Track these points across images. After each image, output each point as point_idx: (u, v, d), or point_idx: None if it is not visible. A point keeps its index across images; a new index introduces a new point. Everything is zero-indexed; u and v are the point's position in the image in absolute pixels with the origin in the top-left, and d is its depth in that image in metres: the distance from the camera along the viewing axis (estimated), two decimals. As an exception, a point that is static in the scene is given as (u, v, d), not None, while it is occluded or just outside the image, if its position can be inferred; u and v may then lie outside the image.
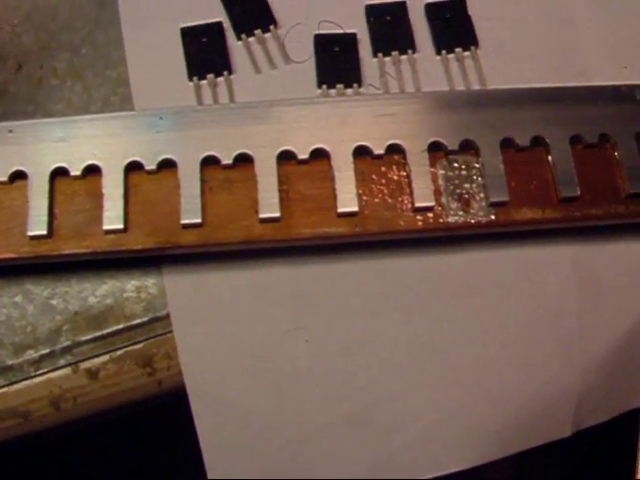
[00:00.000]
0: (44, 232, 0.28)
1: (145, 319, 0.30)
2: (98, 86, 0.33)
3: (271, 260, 0.30)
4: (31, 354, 0.30)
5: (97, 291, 0.30)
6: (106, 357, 0.30)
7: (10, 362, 0.30)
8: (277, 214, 0.28)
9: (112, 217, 0.28)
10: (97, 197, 0.28)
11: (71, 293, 0.30)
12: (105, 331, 0.30)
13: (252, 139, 0.29)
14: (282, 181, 0.28)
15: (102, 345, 0.30)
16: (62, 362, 0.30)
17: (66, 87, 0.33)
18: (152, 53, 0.33)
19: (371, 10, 0.33)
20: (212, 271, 0.30)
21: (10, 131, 0.29)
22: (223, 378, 0.29)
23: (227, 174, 0.29)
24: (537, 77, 0.32)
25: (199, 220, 0.28)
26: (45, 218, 0.28)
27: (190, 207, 0.28)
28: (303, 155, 0.28)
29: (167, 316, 0.30)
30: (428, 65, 0.33)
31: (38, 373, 0.29)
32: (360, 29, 0.33)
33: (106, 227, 0.28)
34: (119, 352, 0.30)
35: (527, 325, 0.30)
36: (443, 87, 0.32)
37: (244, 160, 0.29)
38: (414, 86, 0.32)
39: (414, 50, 0.33)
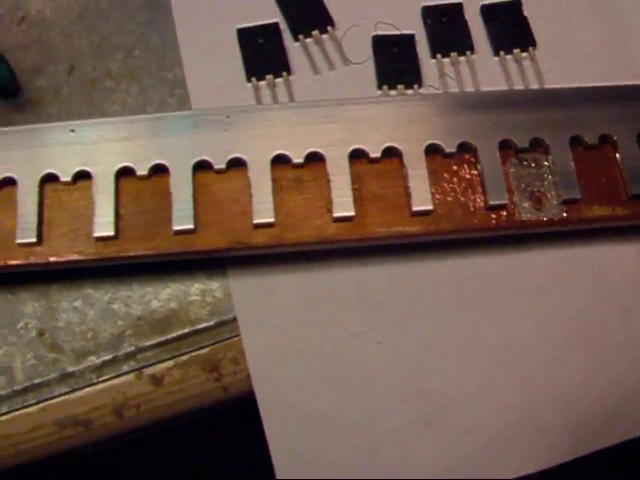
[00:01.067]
0: (111, 233, 0.28)
1: (211, 323, 0.30)
2: (154, 87, 0.33)
3: (338, 261, 0.30)
4: (93, 360, 0.30)
5: (160, 295, 0.30)
6: (171, 363, 0.30)
7: (71, 369, 0.30)
8: (352, 213, 0.28)
9: (181, 217, 0.28)
10: (164, 197, 0.29)
11: (133, 297, 0.30)
12: (169, 336, 0.30)
13: (323, 138, 0.29)
14: (354, 180, 0.29)
15: (166, 350, 0.30)
16: (125, 368, 0.30)
17: (121, 89, 0.33)
18: (208, 54, 0.34)
19: (428, 11, 0.35)
20: (279, 273, 0.30)
21: (72, 130, 0.30)
22: (292, 382, 0.29)
23: (298, 173, 0.29)
24: (593, 77, 0.34)
25: (272, 220, 0.28)
26: (112, 219, 0.28)
27: (262, 207, 0.28)
28: (375, 154, 0.29)
29: (234, 320, 0.30)
30: (486, 66, 0.34)
31: (100, 380, 0.30)
32: (417, 30, 0.35)
33: (175, 228, 0.28)
34: (184, 357, 0.30)
35: (596, 323, 0.31)
36: (502, 87, 0.34)
37: (315, 159, 0.29)
38: (473, 86, 0.33)
39: (472, 51, 0.34)
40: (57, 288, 0.31)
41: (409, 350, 0.29)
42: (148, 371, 0.30)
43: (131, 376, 0.30)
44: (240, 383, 0.30)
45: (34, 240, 0.28)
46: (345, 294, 0.30)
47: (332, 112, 0.30)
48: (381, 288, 0.30)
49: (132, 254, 0.29)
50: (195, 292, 0.30)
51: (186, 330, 0.30)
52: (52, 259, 0.29)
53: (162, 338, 0.30)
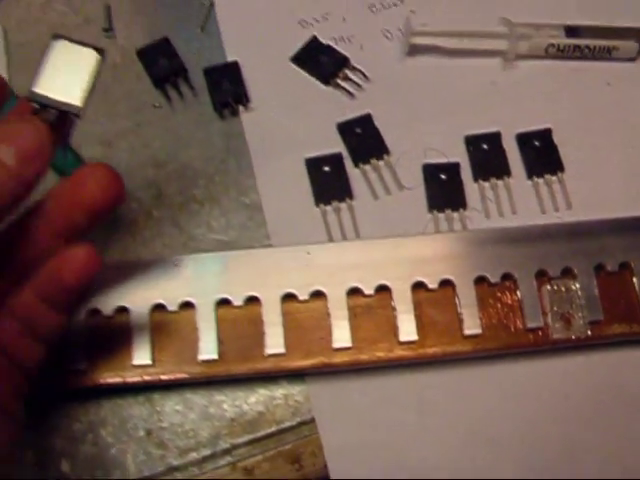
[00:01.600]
0: (214, 357, 0.34)
1: (293, 423, 0.36)
2: (234, 211, 0.39)
3: (401, 370, 0.37)
4: (194, 456, 0.36)
5: (249, 399, 0.37)
6: (260, 457, 0.36)
7: (176, 463, 0.36)
8: (414, 337, 0.35)
9: (273, 343, 0.35)
10: (257, 324, 0.35)
11: (227, 401, 0.37)
12: (258, 434, 0.36)
13: (389, 271, 0.36)
14: (415, 307, 0.35)
15: (256, 446, 0.36)
16: (222, 462, 0.36)
17: (205, 212, 0.39)
18: (280, 181, 0.39)
19: (470, 140, 0.40)
20: (350, 380, 0.37)
21: (176, 265, 0.36)
22: (363, 472, 0.36)
23: (368, 302, 0.36)
24: (618, 202, 0.40)
25: (349, 344, 0.35)
26: (214, 344, 0.35)
27: (340, 333, 0.35)
28: (433, 285, 0.36)
29: (312, 420, 0.36)
30: (521, 189, 0.40)
31: (201, 472, 0.36)
32: (460, 156, 0.41)
33: (269, 352, 0.35)
34: (271, 452, 0.36)
35: (615, 424, 0.37)
36: (534, 209, 0.40)
37: (382, 289, 0.36)
38: (510, 209, 0.40)
39: (509, 175, 0.40)
40: (160, 394, 0.37)
41: (463, 448, 0.36)
42: (241, 464, 0.36)
43: (227, 469, 0.36)
44: (319, 472, 0.36)
45: (149, 362, 0.34)
46: (407, 399, 0.36)
47: (395, 248, 0.36)
48: (436, 394, 0.36)
49: (232, 373, 0.35)
50: (279, 396, 0.37)
51: (272, 429, 0.36)
52: (163, 377, 0.35)
53: (252, 436, 0.36)
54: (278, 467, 0.36)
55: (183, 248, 0.39)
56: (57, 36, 0.29)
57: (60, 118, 0.28)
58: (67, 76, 0.28)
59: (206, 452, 0.36)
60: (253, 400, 0.37)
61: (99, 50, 0.29)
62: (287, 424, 0.37)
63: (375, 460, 0.36)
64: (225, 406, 0.37)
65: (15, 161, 0.27)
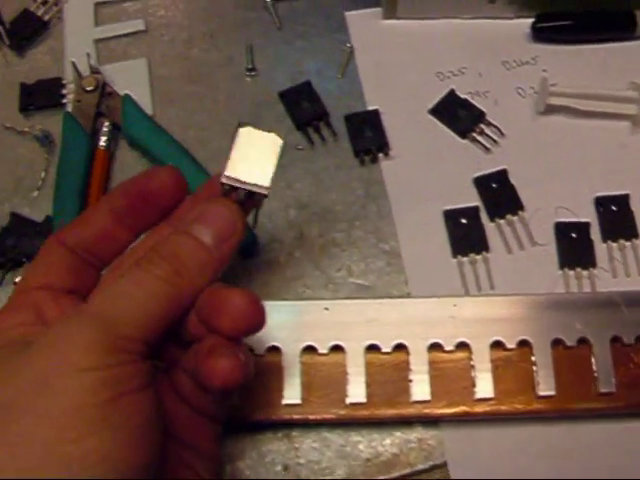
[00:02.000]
0: (363, 400, 0.37)
1: (426, 466, 0.39)
2: (373, 257, 0.42)
3: (530, 421, 0.39)
4: (330, 493, 0.38)
5: (385, 441, 0.39)
6: (393, 498, 0.39)
7: (312, 499, 0.38)
8: (553, 392, 0.37)
9: (419, 390, 0.37)
10: (403, 371, 0.37)
11: (363, 442, 0.39)
12: (392, 475, 0.39)
13: (530, 327, 0.38)
14: (554, 363, 0.38)
15: (391, 487, 0.39)
16: (357, 500, 0.38)
17: (345, 256, 0.42)
18: (419, 230, 0.42)
19: (600, 201, 0.43)
20: (482, 428, 0.39)
21: (326, 309, 0.38)
22: (492, 518, 0.38)
23: (509, 355, 0.38)
24: None
25: (491, 395, 0.37)
26: (363, 389, 0.37)
27: (483, 384, 0.37)
28: (570, 343, 0.38)
29: (444, 464, 0.39)
30: (648, 251, 0.43)
31: (336, 509, 0.38)
32: (590, 215, 0.43)
33: (414, 398, 0.37)
34: (405, 494, 0.39)
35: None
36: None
37: (523, 344, 0.38)
38: (637, 270, 0.42)
39: (637, 238, 0.42)
40: (299, 431, 0.39)
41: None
42: (377, 503, 0.38)
43: (364, 507, 0.38)
44: (447, 516, 0.39)
45: (299, 402, 0.37)
46: (539, 449, 0.39)
47: (536, 304, 0.38)
48: (569, 446, 0.39)
49: (377, 417, 0.37)
50: (413, 440, 0.39)
51: (406, 471, 0.39)
52: (311, 417, 0.37)
53: (386, 477, 0.39)
54: (410, 508, 0.39)
55: (324, 290, 0.41)
56: (243, 124, 0.33)
57: (248, 197, 0.32)
58: (254, 160, 0.31)
59: (342, 490, 0.38)
60: (388, 442, 0.39)
61: (279, 136, 0.32)
62: (420, 467, 0.39)
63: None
64: (361, 446, 0.39)
65: (212, 241, 0.30)
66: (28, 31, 0.48)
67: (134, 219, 0.33)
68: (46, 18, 0.48)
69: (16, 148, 0.45)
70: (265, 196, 0.32)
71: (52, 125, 0.45)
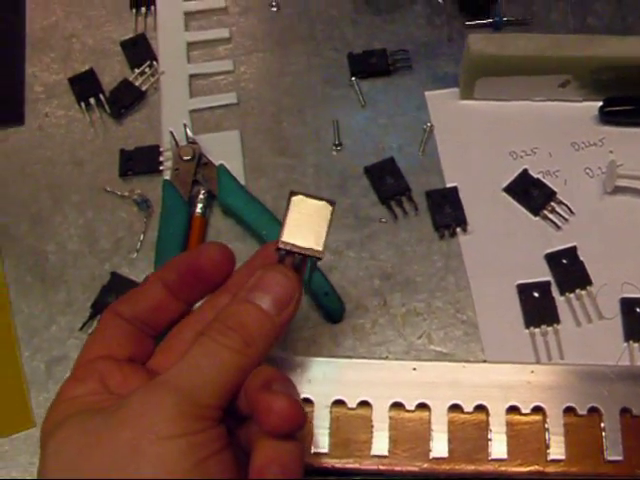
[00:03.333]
0: (445, 455, 0.48)
1: (500, 523, 0.50)
2: (452, 326, 0.54)
3: None
4: None
5: (463, 497, 0.50)
6: None
7: None
8: (620, 458, 0.49)
9: (497, 449, 0.48)
10: (483, 430, 0.49)
11: (445, 498, 0.50)
12: (469, 530, 0.50)
13: (601, 394, 0.49)
14: (622, 429, 0.49)
15: (467, 541, 0.50)
16: None
17: (426, 324, 0.54)
18: (494, 302, 0.54)
19: (663, 275, 0.55)
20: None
21: (414, 369, 0.50)
22: None
23: (580, 420, 0.49)
24: None
25: (562, 457, 0.48)
26: (445, 444, 0.48)
27: (556, 446, 0.49)
28: (637, 411, 0.49)
29: (517, 522, 0.50)
30: None
31: None
32: (655, 291, 0.55)
33: (493, 457, 0.48)
34: None
35: None
36: None
37: (593, 410, 0.49)
38: (698, 345, 0.54)
39: (698, 314, 0.55)
40: (382, 484, 0.50)
41: None
42: None
43: None
44: None
45: (386, 454, 0.48)
46: (602, 511, 0.50)
47: (608, 375, 0.50)
48: (630, 509, 0.50)
49: (458, 471, 0.49)
50: (488, 497, 0.50)
51: (481, 527, 0.50)
52: (397, 468, 0.49)
53: (463, 531, 0.50)
54: None
55: (405, 356, 0.53)
56: (294, 193, 0.40)
57: (303, 261, 0.40)
58: (308, 226, 0.39)
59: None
60: (465, 498, 0.50)
61: (330, 202, 0.40)
62: (496, 523, 0.50)
63: None
64: (439, 501, 0.50)
65: (273, 308, 0.38)
66: (127, 100, 0.60)
67: (186, 292, 0.41)
68: (144, 88, 0.61)
69: (116, 211, 0.57)
70: (319, 259, 0.39)
71: (149, 190, 0.58)
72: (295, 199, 0.40)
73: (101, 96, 0.61)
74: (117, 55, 0.63)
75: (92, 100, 0.61)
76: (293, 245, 0.39)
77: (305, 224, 0.39)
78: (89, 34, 0.64)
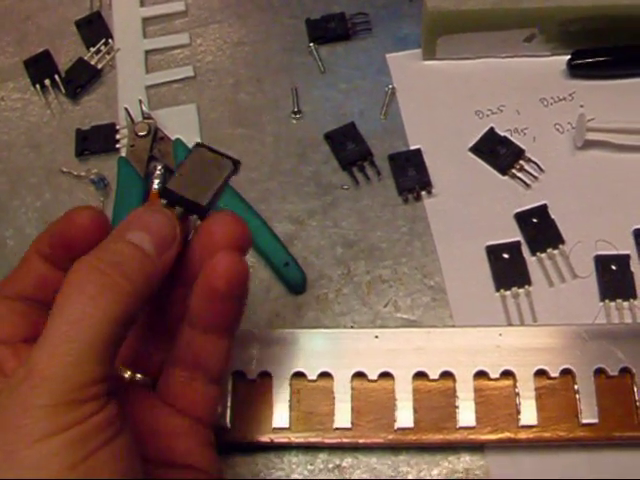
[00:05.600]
0: (411, 425, 0.45)
1: (474, 496, 0.46)
2: (419, 292, 0.50)
3: (579, 448, 0.46)
4: (380, 520, 0.46)
5: (433, 471, 0.46)
6: (436, 527, 0.46)
7: (362, 526, 0.46)
8: (596, 420, 0.45)
9: (465, 417, 0.45)
10: (450, 397, 0.45)
11: (411, 473, 0.46)
12: (442, 505, 0.46)
13: (573, 356, 0.46)
14: (596, 391, 0.45)
15: (437, 515, 0.46)
16: (408, 529, 0.46)
17: (392, 291, 0.50)
18: (462, 265, 0.50)
19: (638, 233, 0.51)
20: (526, 455, 0.46)
21: (376, 337, 0.46)
22: None
23: (552, 384, 0.46)
24: None
25: (534, 423, 0.44)
26: (411, 412, 0.45)
27: (527, 411, 0.45)
28: (613, 372, 0.45)
29: (492, 494, 0.46)
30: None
31: (388, 537, 0.46)
32: (630, 247, 0.51)
33: (460, 425, 0.45)
34: (448, 522, 0.46)
35: None
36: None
37: (566, 372, 0.45)
38: (676, 302, 0.50)
39: (678, 269, 0.50)
40: (348, 462, 0.47)
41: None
42: (416, 532, 0.46)
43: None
44: None
45: (349, 426, 0.45)
46: (580, 476, 0.46)
47: (578, 335, 0.46)
48: (608, 474, 0.46)
49: (425, 441, 0.45)
50: (461, 470, 0.46)
51: (454, 500, 0.46)
52: (360, 441, 0.45)
53: (436, 506, 0.46)
54: (445, 536, 0.46)
55: (371, 325, 0.49)
56: (200, 144, 0.36)
57: (185, 217, 0.35)
58: (201, 180, 0.35)
59: (385, 516, 0.46)
60: (436, 472, 0.47)
61: (234, 161, 0.36)
62: (467, 497, 0.46)
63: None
64: (410, 477, 0.47)
65: (154, 249, 0.33)
66: (83, 79, 0.57)
67: (65, 261, 0.35)
68: (100, 67, 0.58)
69: (74, 192, 0.54)
70: (201, 217, 0.35)
71: (107, 169, 0.54)
72: (197, 150, 0.36)
73: (57, 77, 0.58)
74: (73, 35, 0.60)
75: (47, 82, 0.58)
76: (176, 194, 0.34)
77: (199, 178, 0.35)
78: (44, 15, 0.61)
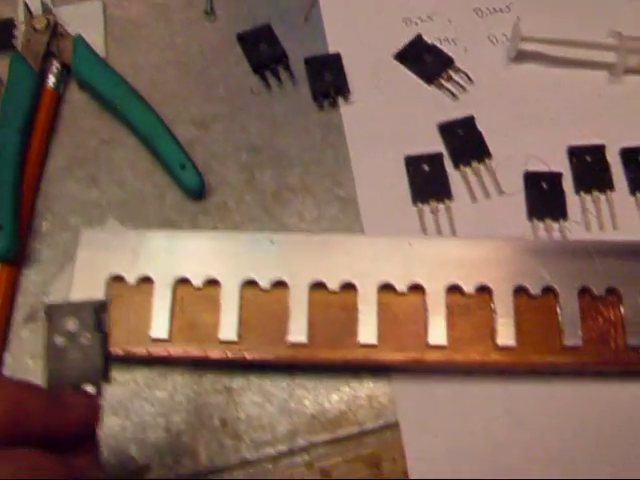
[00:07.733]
0: (304, 340, 0.37)
1: (376, 425, 0.39)
2: (327, 203, 0.43)
3: (490, 378, 0.39)
4: (269, 451, 0.38)
5: (332, 397, 0.39)
6: (339, 459, 0.38)
7: (249, 456, 0.38)
8: (513, 343, 0.37)
9: (366, 333, 0.37)
10: (351, 311, 0.38)
11: (308, 397, 0.39)
12: (339, 434, 0.39)
13: (490, 272, 0.38)
14: (515, 312, 0.38)
15: (336, 447, 0.38)
16: (298, 460, 0.38)
17: (298, 201, 0.43)
18: (378, 176, 0.43)
19: (573, 151, 0.44)
20: (437, 384, 0.39)
21: (272, 242, 0.39)
22: (445, 482, 0.38)
23: (467, 301, 0.38)
24: None
25: (444, 343, 0.37)
26: (305, 327, 0.37)
27: (436, 330, 0.37)
28: (535, 291, 0.38)
29: (396, 424, 0.39)
30: (623, 204, 0.43)
31: (275, 469, 0.38)
32: (563, 166, 0.44)
33: (361, 341, 0.37)
34: (351, 455, 0.38)
35: None
36: (637, 225, 0.43)
37: (483, 290, 0.38)
38: (612, 223, 0.42)
39: (612, 190, 0.43)
40: (239, 383, 0.39)
41: (547, 459, 0.38)
42: (318, 464, 0.38)
43: (303, 468, 0.38)
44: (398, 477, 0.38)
45: (235, 339, 0.37)
46: (494, 408, 0.39)
47: (499, 249, 0.39)
48: (525, 406, 0.39)
49: (319, 359, 0.37)
50: (363, 397, 0.39)
51: (354, 430, 0.39)
52: (248, 357, 0.38)
53: (332, 436, 0.39)
54: (357, 471, 0.38)
55: (274, 235, 0.42)
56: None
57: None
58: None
59: (282, 448, 0.38)
60: (336, 398, 0.39)
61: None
62: (369, 426, 0.39)
63: (458, 470, 0.38)
64: (306, 402, 0.39)
65: None
66: (-19, -27, 0.50)
67: None
68: (1, -40, 0.51)
69: (-38, 89, 0.47)
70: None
71: (3, 67, 0.47)
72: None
73: (-47, -31, 0.50)
74: None
75: (-56, -24, 0.50)
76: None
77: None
78: None
